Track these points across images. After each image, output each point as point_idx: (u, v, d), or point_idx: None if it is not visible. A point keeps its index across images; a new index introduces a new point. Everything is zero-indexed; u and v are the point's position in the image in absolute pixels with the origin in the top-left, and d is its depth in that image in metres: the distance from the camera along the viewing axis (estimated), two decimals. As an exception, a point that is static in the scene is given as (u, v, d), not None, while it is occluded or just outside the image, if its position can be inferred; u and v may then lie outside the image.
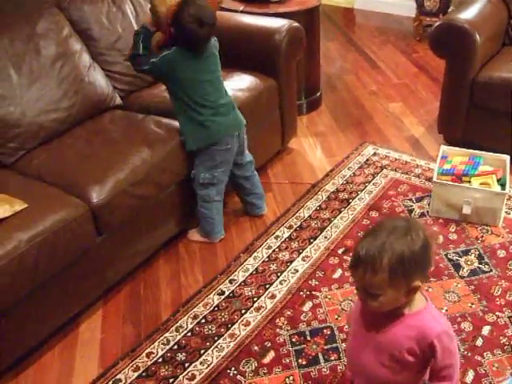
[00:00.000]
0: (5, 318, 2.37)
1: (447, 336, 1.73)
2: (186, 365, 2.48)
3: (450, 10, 5.47)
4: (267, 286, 2.83)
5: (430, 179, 3.43)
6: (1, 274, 2.27)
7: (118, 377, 2.46)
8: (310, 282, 2.84)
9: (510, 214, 3.19)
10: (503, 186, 3.11)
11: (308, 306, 2.71)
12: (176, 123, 3.03)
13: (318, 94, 4.48)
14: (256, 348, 2.53)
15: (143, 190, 2.79)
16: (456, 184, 3.13)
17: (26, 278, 2.38)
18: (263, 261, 3.00)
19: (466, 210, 3.10)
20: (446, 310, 2.62)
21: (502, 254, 2.93)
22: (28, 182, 2.73)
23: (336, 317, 2.64)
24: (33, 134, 2.96)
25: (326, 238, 3.11)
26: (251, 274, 2.92)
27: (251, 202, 3.28)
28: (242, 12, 4.02)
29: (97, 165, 2.76)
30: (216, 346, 2.55)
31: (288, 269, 2.93)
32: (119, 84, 3.42)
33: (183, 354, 2.53)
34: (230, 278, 2.90)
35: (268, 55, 3.51)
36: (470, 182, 3.15)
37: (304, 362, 2.44)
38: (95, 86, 3.23)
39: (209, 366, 2.47)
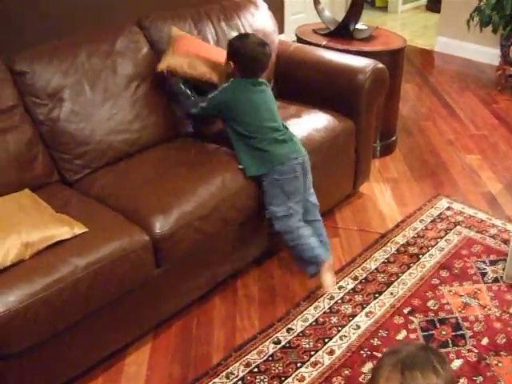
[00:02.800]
0: (52, 343, 2.27)
1: None
2: (234, 417, 2.33)
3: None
4: (326, 340, 2.67)
5: (506, 242, 3.23)
6: (54, 298, 2.17)
7: (161, 420, 2.33)
8: (371, 341, 2.66)
9: None
10: None
11: (368, 367, 2.53)
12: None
13: (394, 138, 4.32)
14: (309, 408, 2.37)
15: (209, 225, 2.66)
16: (536, 251, 2.92)
17: (78, 305, 2.27)
18: (324, 312, 2.83)
19: (545, 281, 2.89)
20: (517, 390, 2.42)
21: None
22: (90, 204, 2.65)
23: None
24: (100, 153, 2.89)
25: (391, 294, 2.93)
26: (310, 324, 2.76)
27: None
28: (324, 47, 3.89)
29: (163, 193, 2.64)
30: (267, 400, 2.40)
31: (350, 324, 2.76)
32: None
33: (232, 404, 2.38)
34: (288, 326, 2.74)
35: (349, 95, 3.36)
36: (551, 250, 2.94)
37: (360, 429, 2.28)
38: (169, 110, 3.15)
39: (258, 421, 2.32)
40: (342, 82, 3.39)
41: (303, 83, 3.52)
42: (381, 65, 3.40)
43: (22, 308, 2.10)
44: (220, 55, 3.09)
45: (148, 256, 2.47)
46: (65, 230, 2.35)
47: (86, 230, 2.39)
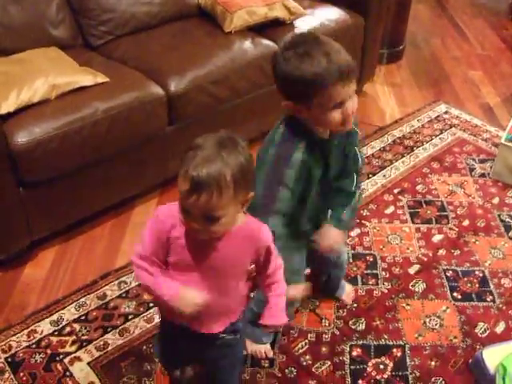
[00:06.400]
0: (69, 179, 2.51)
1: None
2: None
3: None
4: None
5: (496, 145, 3.40)
6: (74, 135, 2.40)
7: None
8: (361, 212, 2.88)
9: None
10: None
11: (355, 232, 2.77)
12: (265, 40, 3.11)
13: (401, 47, 4.45)
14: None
15: (219, 91, 2.86)
16: (523, 151, 3.10)
17: (95, 145, 2.50)
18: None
19: (528, 178, 3.09)
20: (489, 264, 2.65)
21: (555, 223, 2.92)
22: (111, 64, 2.84)
23: (381, 247, 2.70)
24: (124, 21, 3.07)
25: (384, 176, 3.15)
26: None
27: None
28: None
29: (180, 58, 2.85)
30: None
31: (342, 196, 2.98)
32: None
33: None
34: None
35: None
36: (537, 151, 3.12)
37: (342, 280, 2.51)
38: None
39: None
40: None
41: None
42: (394, -36, 3.52)
43: (46, 139, 2.34)
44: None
45: (162, 110, 2.68)
46: (88, 77, 2.56)
47: (108, 79, 2.60)
